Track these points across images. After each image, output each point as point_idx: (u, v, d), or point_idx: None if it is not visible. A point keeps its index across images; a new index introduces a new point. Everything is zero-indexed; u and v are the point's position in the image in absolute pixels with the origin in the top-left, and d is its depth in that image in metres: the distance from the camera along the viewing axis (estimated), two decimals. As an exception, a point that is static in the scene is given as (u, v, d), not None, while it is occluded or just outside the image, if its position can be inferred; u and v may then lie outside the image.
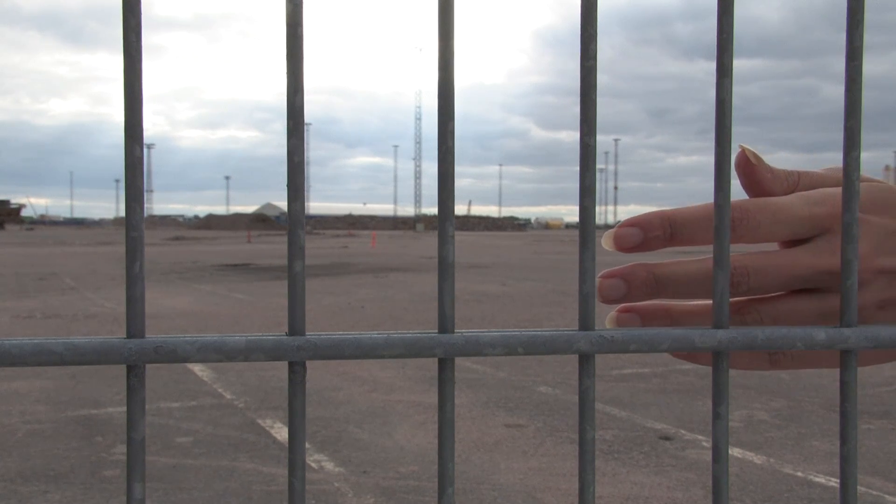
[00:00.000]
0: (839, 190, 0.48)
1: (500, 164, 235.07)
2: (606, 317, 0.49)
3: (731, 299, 0.49)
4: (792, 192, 0.50)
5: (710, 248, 0.44)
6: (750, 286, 0.47)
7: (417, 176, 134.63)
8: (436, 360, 0.36)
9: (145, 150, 0.39)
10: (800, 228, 0.48)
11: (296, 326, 0.35)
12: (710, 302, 0.47)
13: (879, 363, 0.51)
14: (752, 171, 0.49)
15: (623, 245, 0.47)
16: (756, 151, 0.49)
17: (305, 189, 0.36)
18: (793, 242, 0.49)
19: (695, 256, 0.49)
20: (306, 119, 0.47)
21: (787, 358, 0.49)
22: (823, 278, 0.47)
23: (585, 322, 0.37)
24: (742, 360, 0.50)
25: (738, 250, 0.48)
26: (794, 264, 0.47)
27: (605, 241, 0.47)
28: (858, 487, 0.40)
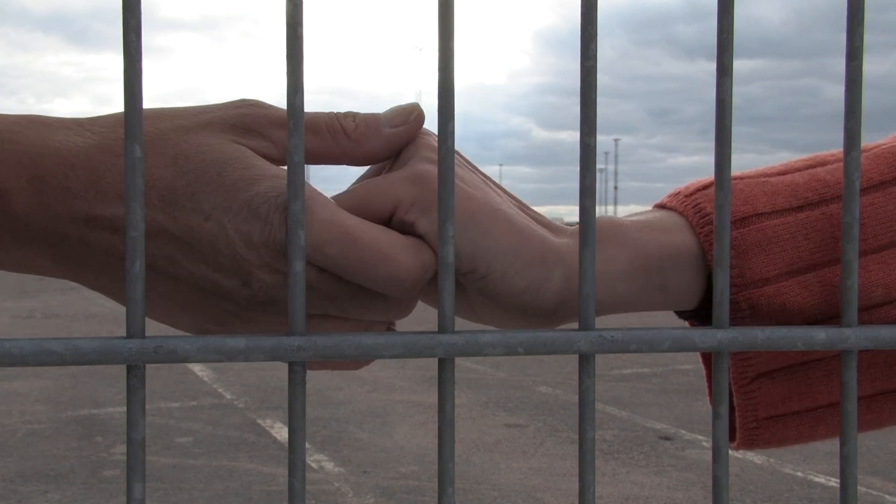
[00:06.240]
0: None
1: (501, 164, 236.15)
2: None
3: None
4: None
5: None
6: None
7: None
8: (436, 360, 0.36)
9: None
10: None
11: (296, 326, 0.35)
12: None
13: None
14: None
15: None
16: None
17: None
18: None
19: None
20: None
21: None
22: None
23: (585, 322, 0.37)
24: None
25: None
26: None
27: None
28: (858, 487, 0.40)
